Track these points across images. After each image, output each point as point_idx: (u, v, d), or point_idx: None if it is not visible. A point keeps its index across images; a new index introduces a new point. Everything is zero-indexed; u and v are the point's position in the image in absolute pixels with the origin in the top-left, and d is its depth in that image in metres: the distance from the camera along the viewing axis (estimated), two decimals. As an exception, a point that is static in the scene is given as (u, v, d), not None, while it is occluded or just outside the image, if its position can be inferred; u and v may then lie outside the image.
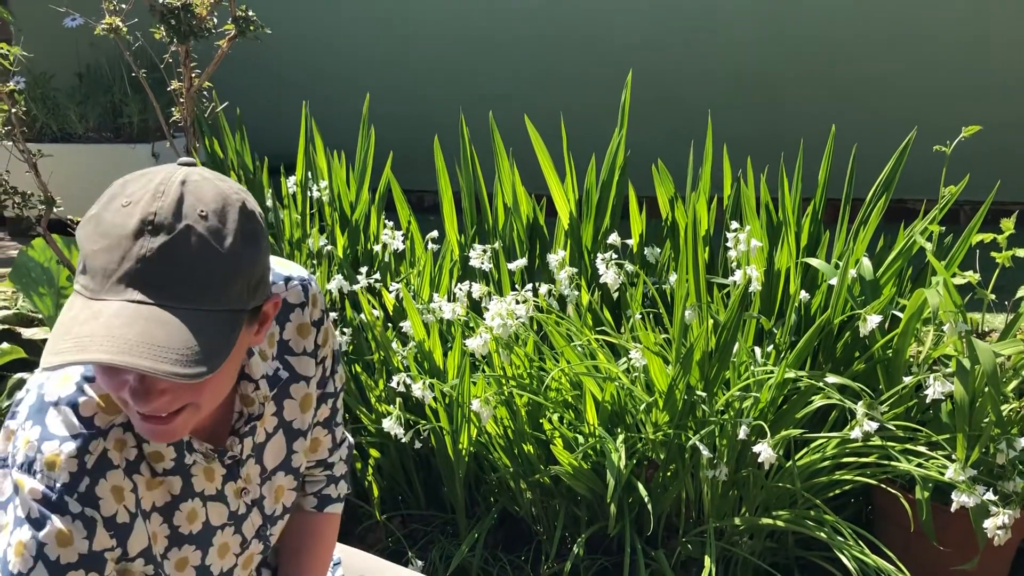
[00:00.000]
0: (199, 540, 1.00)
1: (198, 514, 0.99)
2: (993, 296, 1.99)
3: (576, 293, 2.09)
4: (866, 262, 2.00)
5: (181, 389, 0.82)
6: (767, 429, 1.72)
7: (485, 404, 1.80)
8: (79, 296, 0.79)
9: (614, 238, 2.10)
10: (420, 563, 1.98)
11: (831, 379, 1.79)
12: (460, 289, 2.08)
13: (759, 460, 1.68)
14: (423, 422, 1.96)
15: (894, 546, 1.83)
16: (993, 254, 2.07)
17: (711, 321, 1.86)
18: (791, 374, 1.81)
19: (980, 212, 2.05)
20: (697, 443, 1.78)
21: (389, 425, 1.82)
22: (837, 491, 1.93)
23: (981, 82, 3.83)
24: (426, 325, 2.07)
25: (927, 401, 1.71)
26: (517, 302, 1.91)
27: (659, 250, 2.22)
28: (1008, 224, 2.07)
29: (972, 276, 1.95)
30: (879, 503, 2.03)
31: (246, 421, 1.00)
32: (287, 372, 1.06)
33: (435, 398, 1.97)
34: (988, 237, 2.10)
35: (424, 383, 1.87)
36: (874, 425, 1.69)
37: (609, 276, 1.92)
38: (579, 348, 1.95)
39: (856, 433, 1.70)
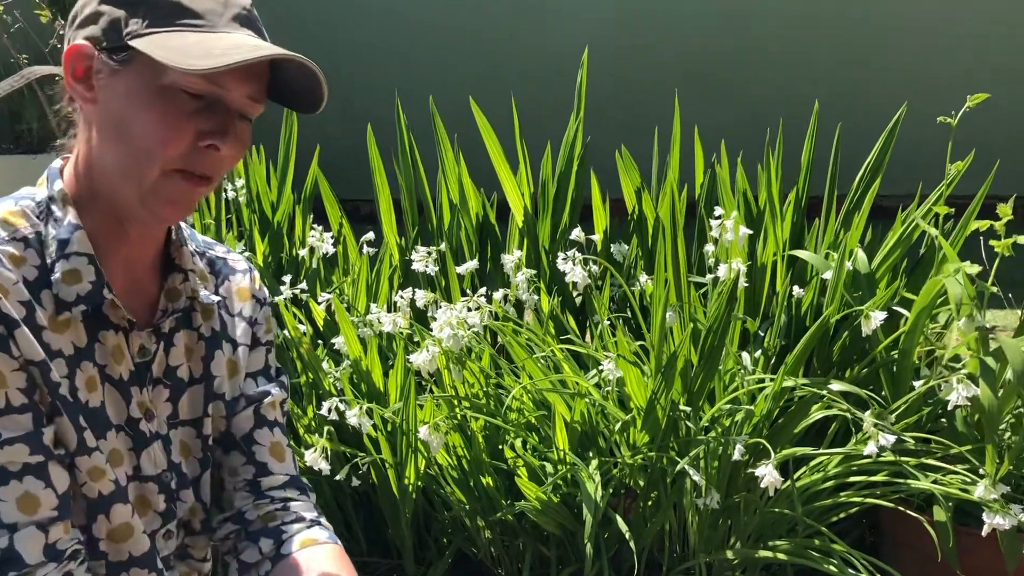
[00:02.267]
0: (95, 421, 0.91)
1: (96, 386, 0.91)
2: (996, 288, 1.77)
3: (535, 298, 1.82)
4: (861, 254, 1.78)
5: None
6: (769, 448, 1.46)
7: (434, 431, 1.52)
8: (187, 32, 0.85)
9: (577, 233, 1.84)
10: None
11: (836, 386, 1.55)
12: (401, 297, 1.80)
13: (762, 485, 1.43)
14: (361, 455, 1.67)
15: (907, 575, 1.60)
16: (992, 243, 1.86)
17: (693, 325, 1.61)
18: (790, 382, 1.57)
19: (979, 194, 1.84)
20: (687, 467, 1.51)
21: (312, 459, 1.52)
22: (842, 514, 1.69)
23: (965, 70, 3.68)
24: (362, 341, 1.78)
25: (949, 408, 1.48)
26: (469, 309, 1.63)
27: (627, 247, 1.96)
28: (1005, 209, 1.85)
29: (973, 267, 1.73)
30: (886, 526, 1.79)
31: (169, 315, 0.98)
32: (219, 323, 1.04)
33: (375, 426, 1.68)
34: (984, 225, 1.89)
35: (361, 408, 1.58)
36: (891, 438, 1.45)
37: (577, 274, 1.65)
38: (542, 360, 1.68)
39: (870, 448, 1.45)
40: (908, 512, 1.56)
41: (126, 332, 0.94)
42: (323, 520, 1.08)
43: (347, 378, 1.79)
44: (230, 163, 0.91)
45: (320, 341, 1.90)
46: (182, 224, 1.02)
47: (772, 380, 1.60)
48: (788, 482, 1.65)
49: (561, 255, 1.80)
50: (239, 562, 1.04)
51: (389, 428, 1.71)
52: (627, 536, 1.56)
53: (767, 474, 1.40)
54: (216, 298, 1.03)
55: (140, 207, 0.89)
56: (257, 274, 1.10)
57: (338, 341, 1.78)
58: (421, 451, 1.66)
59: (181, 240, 0.99)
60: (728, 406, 1.61)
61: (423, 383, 1.72)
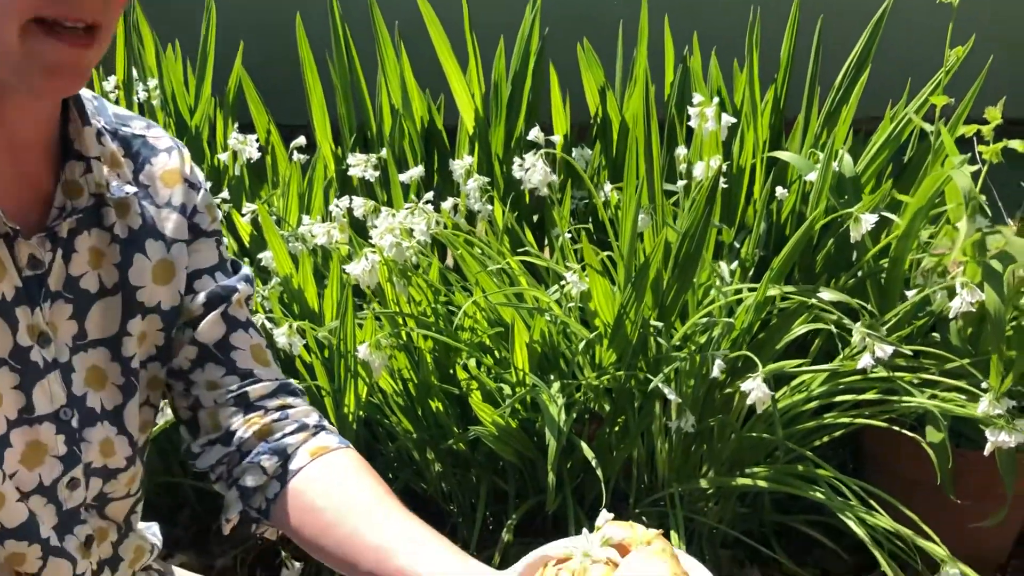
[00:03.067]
0: None
1: None
2: (983, 197, 1.63)
3: (489, 208, 1.63)
4: (847, 156, 1.61)
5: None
6: (757, 360, 1.30)
7: (375, 349, 1.33)
8: None
9: (536, 134, 1.64)
10: (299, 565, 1.51)
11: (826, 295, 1.40)
12: (337, 207, 1.60)
13: (749, 401, 1.27)
14: (295, 382, 1.47)
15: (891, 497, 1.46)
16: (980, 148, 1.71)
17: (668, 230, 1.43)
18: (775, 291, 1.40)
19: (969, 95, 1.68)
20: (660, 386, 1.35)
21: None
22: (825, 438, 1.55)
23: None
24: (294, 257, 1.58)
25: (951, 316, 1.33)
26: (413, 215, 1.44)
27: (590, 152, 1.78)
28: (994, 113, 1.69)
29: (969, 168, 1.58)
30: (869, 451, 1.66)
31: (67, 215, 0.78)
32: (141, 219, 0.84)
33: (308, 348, 1.49)
34: (971, 130, 1.73)
35: (290, 327, 1.38)
36: (888, 349, 1.30)
37: (537, 173, 1.46)
38: (497, 276, 1.50)
39: (865, 361, 1.31)
40: (903, 432, 1.42)
41: (8, 240, 0.75)
42: (327, 423, 0.92)
43: (277, 298, 1.59)
44: (107, 14, 0.70)
45: (246, 259, 1.69)
46: (87, 94, 0.80)
47: (752, 291, 1.44)
48: (767, 405, 1.50)
49: (517, 161, 1.61)
50: (240, 489, 0.86)
51: (326, 354, 1.52)
52: (593, 463, 1.40)
53: (755, 388, 1.24)
54: (132, 189, 0.82)
55: (14, 78, 0.69)
56: (187, 153, 0.90)
57: (266, 256, 1.57)
58: (362, 376, 1.47)
59: (83, 118, 0.79)
60: (704, 319, 1.45)
61: (364, 306, 1.53)
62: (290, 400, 0.91)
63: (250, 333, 0.90)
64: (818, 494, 1.40)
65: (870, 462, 1.65)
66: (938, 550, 1.32)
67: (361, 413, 1.56)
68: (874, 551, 1.30)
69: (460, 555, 0.78)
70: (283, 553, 1.51)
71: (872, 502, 1.37)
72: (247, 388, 0.89)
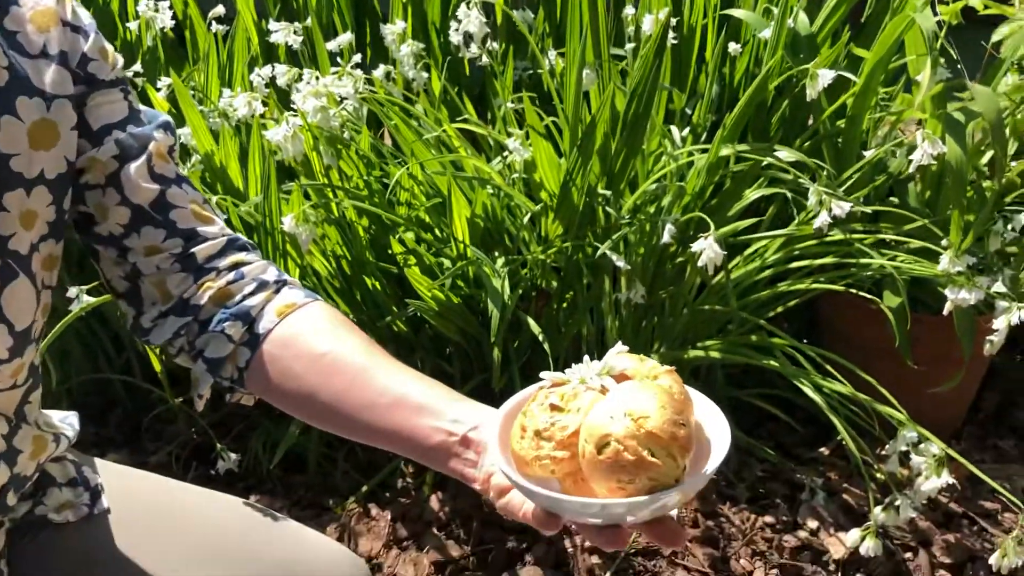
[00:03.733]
0: None
1: None
2: (943, 61, 1.55)
3: (424, 75, 1.52)
4: (802, 14, 1.52)
5: None
6: (708, 220, 1.23)
7: (303, 221, 1.24)
8: None
9: (472, -6, 1.52)
10: (235, 456, 1.43)
11: (783, 154, 1.32)
12: (259, 76, 1.47)
13: (700, 262, 1.20)
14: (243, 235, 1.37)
15: (848, 366, 1.42)
16: (940, 8, 1.63)
17: (615, 90, 1.34)
18: (728, 150, 1.33)
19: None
20: (609, 253, 1.28)
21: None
22: (779, 308, 1.50)
23: None
24: (215, 135, 1.46)
25: (910, 169, 1.27)
26: (340, 79, 1.32)
27: (532, 15, 1.66)
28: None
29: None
30: (825, 319, 1.62)
31: None
32: (6, 72, 0.71)
33: (231, 225, 1.38)
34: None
35: (206, 200, 1.27)
36: (845, 207, 1.23)
37: (472, 24, 1.35)
38: (435, 150, 1.40)
39: (821, 219, 1.24)
40: (860, 294, 1.37)
41: None
42: (288, 276, 0.85)
43: (198, 177, 1.47)
44: None
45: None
46: None
47: (704, 154, 1.36)
48: (721, 274, 1.44)
49: (454, 26, 1.49)
50: (206, 361, 0.81)
51: (255, 239, 1.41)
52: (540, 338, 1.33)
53: (707, 248, 1.17)
54: None
55: None
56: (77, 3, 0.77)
57: (184, 133, 1.45)
58: (292, 256, 1.38)
59: None
60: (654, 186, 1.37)
61: (294, 174, 1.43)
62: (242, 256, 0.83)
63: (185, 189, 0.81)
64: (772, 363, 1.35)
65: (826, 331, 1.61)
66: (896, 414, 1.29)
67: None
68: (831, 417, 1.26)
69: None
70: (218, 445, 1.44)
71: (829, 368, 1.33)
72: (193, 249, 0.81)
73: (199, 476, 1.51)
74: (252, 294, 0.82)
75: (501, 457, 0.67)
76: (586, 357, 0.70)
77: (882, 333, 1.45)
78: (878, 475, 1.43)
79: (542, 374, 0.70)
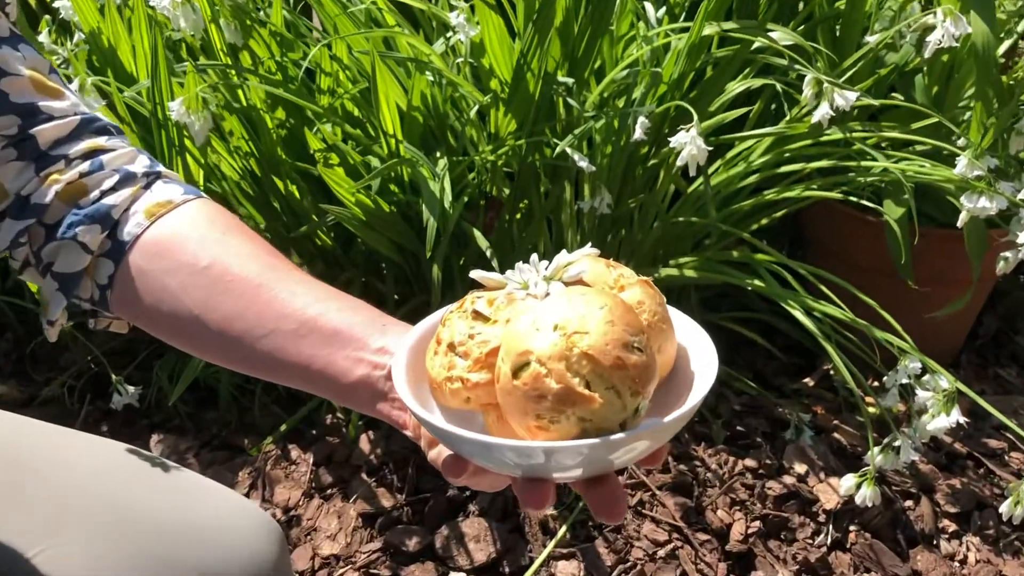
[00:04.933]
0: None
1: None
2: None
3: (353, -58, 1.27)
4: None
5: None
6: (692, 110, 1.03)
7: (196, 107, 1.01)
8: None
9: None
10: (134, 389, 1.23)
11: (777, 35, 1.11)
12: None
13: (680, 160, 1.00)
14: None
15: (838, 289, 1.23)
16: None
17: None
18: (712, 29, 1.11)
19: None
20: (570, 151, 1.07)
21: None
22: (764, 220, 1.31)
23: None
24: (100, 6, 1.22)
25: (926, 54, 1.06)
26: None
27: None
28: None
29: None
30: (812, 235, 1.43)
31: None
32: None
33: (121, 119, 1.15)
34: None
35: (85, 82, 1.04)
36: (850, 96, 1.04)
37: None
38: (365, 24, 1.16)
39: (821, 111, 1.04)
40: (864, 203, 1.18)
41: None
42: (162, 168, 0.70)
43: (84, 60, 1.23)
44: None
45: (46, 17, 1.31)
46: None
47: (684, 33, 1.14)
48: (699, 180, 1.24)
49: None
50: (56, 277, 0.65)
51: (157, 144, 1.18)
52: (488, 255, 1.13)
53: (689, 142, 0.97)
54: None
55: None
56: None
57: (63, 6, 1.21)
58: (193, 154, 1.15)
59: None
60: (624, 73, 1.16)
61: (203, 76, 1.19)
62: (102, 142, 0.67)
63: (21, 51, 0.65)
64: (757, 283, 1.17)
65: (812, 249, 1.42)
66: (898, 341, 1.11)
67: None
68: (825, 345, 1.09)
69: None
70: (114, 377, 1.23)
71: (823, 287, 1.15)
72: (33, 131, 0.64)
73: (96, 411, 1.31)
74: (113, 189, 0.66)
75: (402, 378, 0.52)
76: (534, 256, 0.52)
77: (878, 250, 1.28)
78: (870, 410, 1.27)
79: (473, 273, 0.53)
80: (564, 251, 0.53)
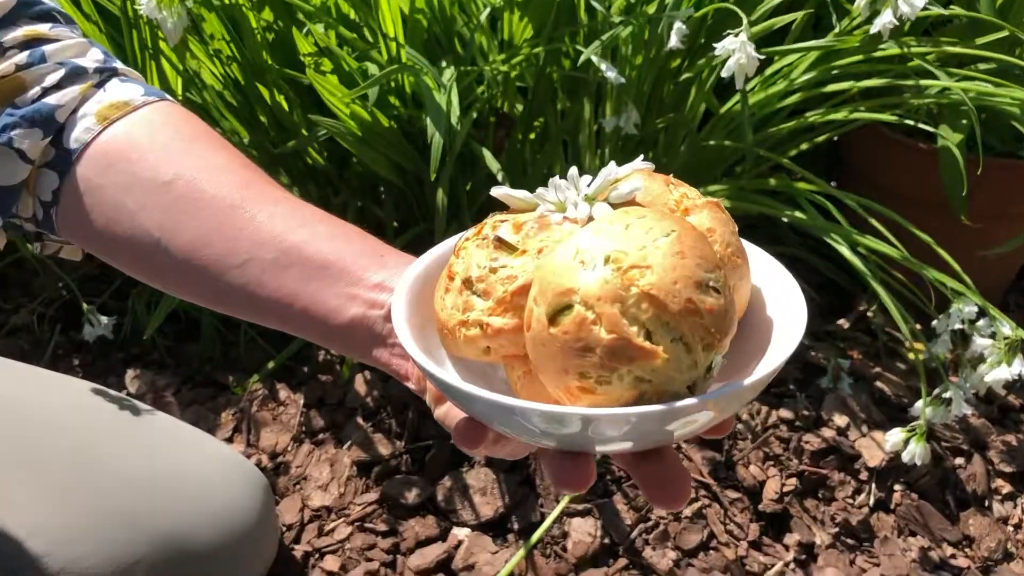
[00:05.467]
0: None
1: None
2: None
3: None
4: None
5: None
6: (742, 14, 0.90)
7: (169, 1, 0.88)
8: None
9: None
10: (107, 319, 1.12)
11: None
12: None
13: (726, 71, 0.88)
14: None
15: (883, 224, 1.12)
16: None
17: None
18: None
19: None
20: (595, 59, 0.94)
21: None
22: (804, 145, 1.19)
23: None
24: None
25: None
26: None
27: None
28: None
29: None
30: (851, 162, 1.31)
31: None
32: None
33: (87, 17, 1.02)
34: None
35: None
36: (917, 3, 0.90)
37: None
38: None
39: (884, 19, 0.91)
40: (919, 125, 1.06)
41: None
42: (119, 64, 0.60)
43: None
44: None
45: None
46: None
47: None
48: (734, 98, 1.11)
49: None
50: None
51: (128, 47, 1.05)
52: (499, 178, 1.01)
53: (737, 48, 0.84)
54: None
55: None
56: None
57: None
58: (169, 58, 1.02)
59: None
60: (657, -27, 1.02)
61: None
62: (44, 29, 0.57)
63: None
64: (799, 214, 1.05)
65: (852, 179, 1.30)
66: (951, 281, 1.00)
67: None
68: (874, 286, 0.98)
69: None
70: (85, 306, 1.12)
71: (874, 221, 1.03)
72: None
73: (68, 343, 1.21)
74: (58, 87, 0.55)
75: (403, 320, 0.42)
76: (573, 170, 0.41)
77: (927, 181, 1.16)
78: (910, 356, 1.17)
79: (495, 190, 0.44)
80: (612, 164, 0.42)
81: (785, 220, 1.08)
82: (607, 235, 0.35)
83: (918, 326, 1.00)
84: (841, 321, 1.24)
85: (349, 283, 0.50)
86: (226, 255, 0.53)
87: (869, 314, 1.24)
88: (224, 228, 0.53)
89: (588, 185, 0.41)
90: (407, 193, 1.13)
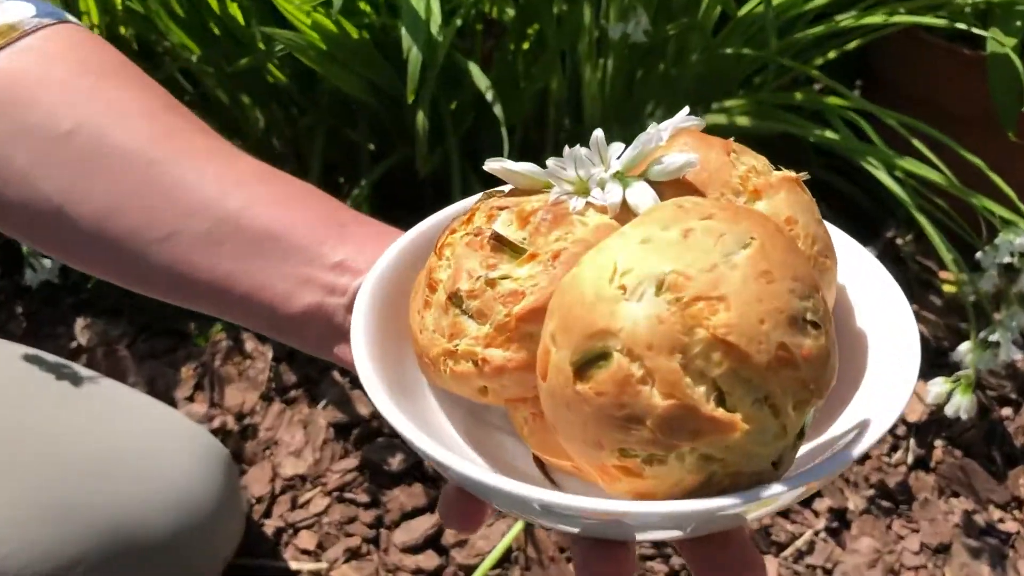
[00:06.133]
0: None
1: None
2: None
3: None
4: None
5: None
6: None
7: None
8: None
9: None
10: (51, 262, 1.00)
11: None
12: None
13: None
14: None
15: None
16: None
17: None
18: None
19: None
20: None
21: None
22: (832, 54, 1.05)
23: None
24: None
25: None
26: None
27: None
28: None
29: None
30: (883, 73, 1.17)
31: None
32: None
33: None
34: None
35: None
36: None
37: None
38: None
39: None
40: (967, 28, 0.92)
41: None
42: None
43: None
44: None
45: None
46: None
47: None
48: (753, 2, 0.98)
49: None
50: None
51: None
52: (488, 96, 0.88)
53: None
54: None
55: None
56: None
57: None
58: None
59: None
60: None
61: None
62: None
63: None
64: (829, 133, 0.92)
65: (884, 93, 1.17)
66: (998, 208, 0.89)
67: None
68: (915, 214, 0.86)
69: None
70: (24, 248, 1.00)
71: (917, 142, 0.91)
72: None
73: (11, 286, 1.09)
74: None
75: (364, 343, 0.32)
76: (598, 134, 0.28)
77: (968, 93, 1.03)
78: (947, 289, 1.06)
79: (488, 164, 0.32)
80: (653, 125, 0.30)
81: (812, 140, 0.96)
82: (658, 246, 0.24)
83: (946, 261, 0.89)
84: (867, 250, 1.13)
85: (301, 262, 0.40)
86: (144, 227, 0.42)
87: (899, 242, 1.12)
88: (141, 192, 0.42)
89: (619, 157, 0.29)
90: (382, 117, 0.99)
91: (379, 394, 0.30)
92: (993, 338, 0.87)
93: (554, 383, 0.25)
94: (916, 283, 1.05)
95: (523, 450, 0.33)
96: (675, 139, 0.32)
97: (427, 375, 0.32)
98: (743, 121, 0.98)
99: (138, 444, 0.72)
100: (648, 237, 0.24)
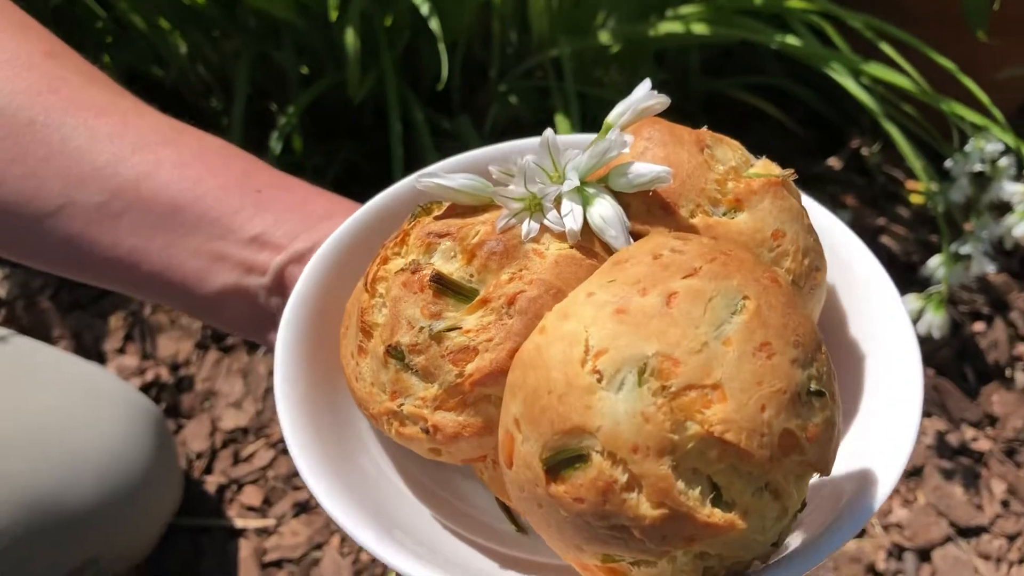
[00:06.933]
0: None
1: None
2: None
3: None
4: None
5: None
6: None
7: None
8: None
9: None
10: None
11: None
12: None
13: None
14: None
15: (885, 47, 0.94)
16: None
17: None
18: None
19: None
20: None
21: None
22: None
23: None
24: None
25: None
26: None
27: None
28: None
29: None
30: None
31: None
32: None
33: None
34: None
35: None
36: None
37: None
38: None
39: None
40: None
41: None
42: None
43: None
44: None
45: None
46: None
47: None
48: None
49: None
50: None
51: None
52: (424, 11, 0.81)
53: None
54: None
55: None
56: None
57: None
58: None
59: None
60: None
61: None
62: None
63: None
64: (791, 39, 0.86)
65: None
66: (969, 114, 0.84)
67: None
68: (883, 123, 0.81)
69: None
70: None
71: (886, 46, 0.85)
72: None
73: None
74: None
75: (289, 379, 0.28)
76: (549, 134, 0.25)
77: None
78: (914, 200, 1.02)
79: (420, 180, 0.27)
80: (615, 131, 0.24)
81: (773, 48, 0.90)
82: (635, 318, 0.19)
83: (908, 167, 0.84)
84: (831, 161, 1.08)
85: (213, 236, 0.35)
86: (29, 199, 0.36)
87: (864, 152, 1.08)
88: (26, 157, 0.37)
89: (573, 166, 0.23)
90: (311, 36, 0.91)
91: (318, 488, 0.25)
92: (964, 250, 0.83)
93: (522, 478, 0.20)
94: (883, 195, 1.01)
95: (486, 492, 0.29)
96: (639, 130, 0.26)
97: (369, 422, 0.27)
98: (700, 28, 0.92)
99: (62, 411, 0.66)
100: (623, 306, 0.19)
